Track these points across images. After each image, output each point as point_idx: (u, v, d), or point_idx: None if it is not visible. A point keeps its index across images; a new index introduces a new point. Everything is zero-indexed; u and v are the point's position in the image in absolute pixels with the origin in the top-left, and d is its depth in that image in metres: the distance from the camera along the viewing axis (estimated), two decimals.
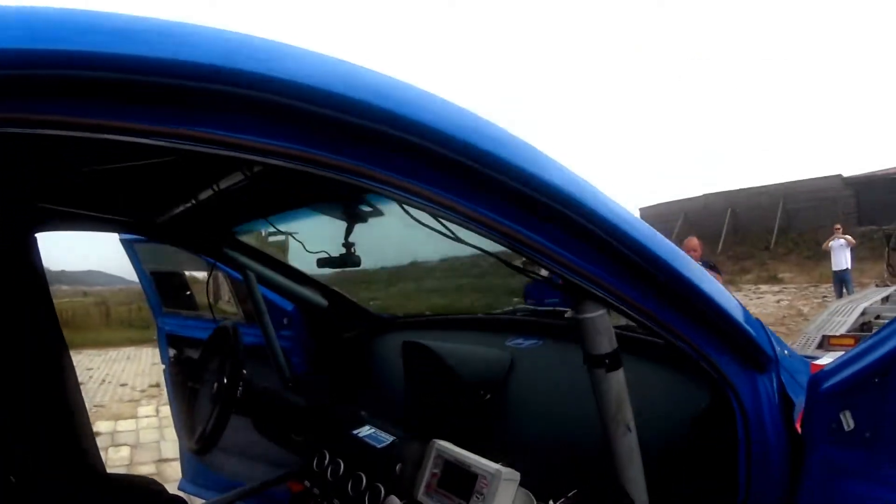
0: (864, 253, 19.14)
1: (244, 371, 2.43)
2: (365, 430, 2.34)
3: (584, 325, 1.34)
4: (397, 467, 1.82)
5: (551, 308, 2.80)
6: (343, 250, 2.36)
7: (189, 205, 2.31)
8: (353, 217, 2.29)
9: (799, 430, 1.44)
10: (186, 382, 2.76)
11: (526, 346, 2.47)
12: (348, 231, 2.34)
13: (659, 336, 1.35)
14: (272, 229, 2.62)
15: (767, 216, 29.41)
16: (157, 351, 4.32)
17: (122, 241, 4.02)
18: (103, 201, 2.38)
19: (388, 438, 2.21)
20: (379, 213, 2.27)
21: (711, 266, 4.78)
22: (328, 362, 3.21)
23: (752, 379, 1.42)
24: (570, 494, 1.55)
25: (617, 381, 1.35)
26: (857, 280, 16.96)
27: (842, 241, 15.99)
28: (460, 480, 1.62)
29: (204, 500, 3.27)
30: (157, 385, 10.53)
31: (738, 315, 1.39)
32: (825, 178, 28.52)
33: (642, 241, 1.27)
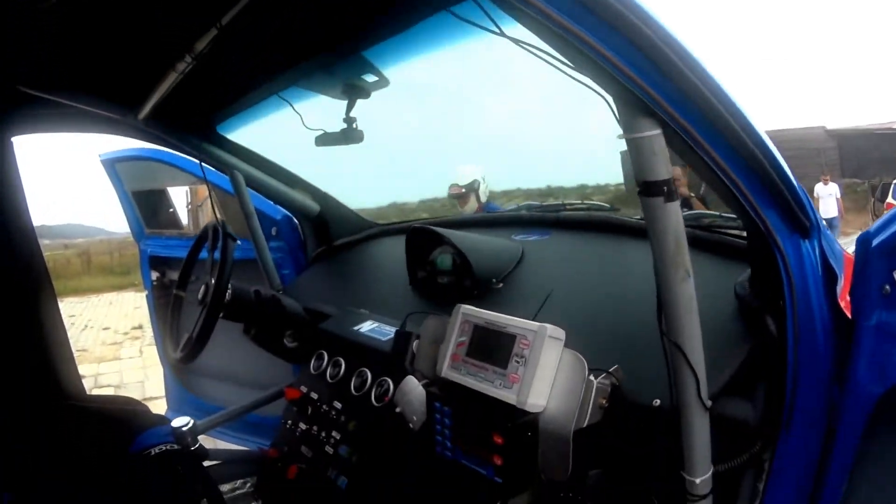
0: (848, 204, 19.07)
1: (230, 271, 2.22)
2: (367, 326, 2.17)
3: (638, 145, 1.13)
4: (413, 344, 1.62)
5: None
6: (344, 125, 2.14)
7: (169, 91, 2.06)
8: (353, 91, 2.07)
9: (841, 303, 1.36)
10: (172, 292, 2.55)
11: (534, 240, 2.30)
12: (349, 106, 2.13)
13: (710, 174, 1.21)
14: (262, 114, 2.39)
15: None
16: (139, 296, 4.11)
17: (104, 162, 3.82)
18: (83, 89, 2.13)
19: (391, 331, 2.03)
20: (385, 83, 2.06)
21: (688, 199, 4.71)
22: (321, 271, 3.02)
23: (797, 243, 1.33)
24: (611, 369, 1.39)
25: (675, 214, 1.15)
26: (842, 230, 17.01)
27: (831, 189, 15.92)
28: (494, 345, 1.43)
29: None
30: (140, 327, 10.35)
31: (790, 173, 1.27)
32: (809, 128, 28.25)
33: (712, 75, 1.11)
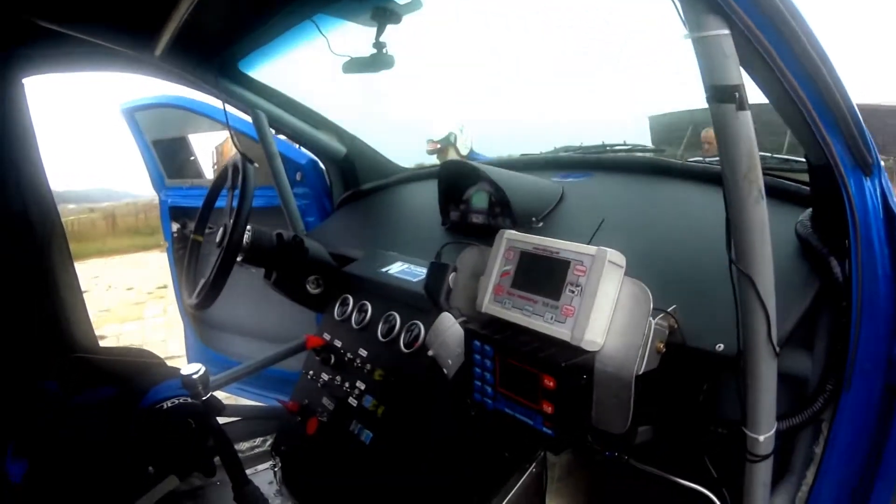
0: None
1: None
2: (396, 267, 2.02)
3: (706, 45, 0.97)
4: (449, 278, 1.46)
5: None
6: (374, 50, 1.99)
7: (187, 21, 1.91)
8: (383, 16, 1.91)
9: None
10: (190, 237, 2.43)
11: (575, 181, 2.14)
12: (379, 31, 1.97)
13: (777, 90, 1.09)
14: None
15: (778, 132, 29.02)
16: (164, 256, 4.02)
17: (124, 112, 3.70)
18: (96, 19, 1.98)
19: (422, 272, 1.88)
20: (417, 5, 1.89)
21: None
22: (347, 216, 2.88)
23: (860, 180, 1.24)
24: (669, 309, 1.25)
25: (747, 125, 0.99)
26: None
27: None
28: (545, 273, 1.27)
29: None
30: (165, 287, 10.31)
31: (855, 106, 1.18)
32: None
33: None
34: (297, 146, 3.02)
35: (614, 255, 1.19)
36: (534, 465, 1.59)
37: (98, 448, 1.59)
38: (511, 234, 1.37)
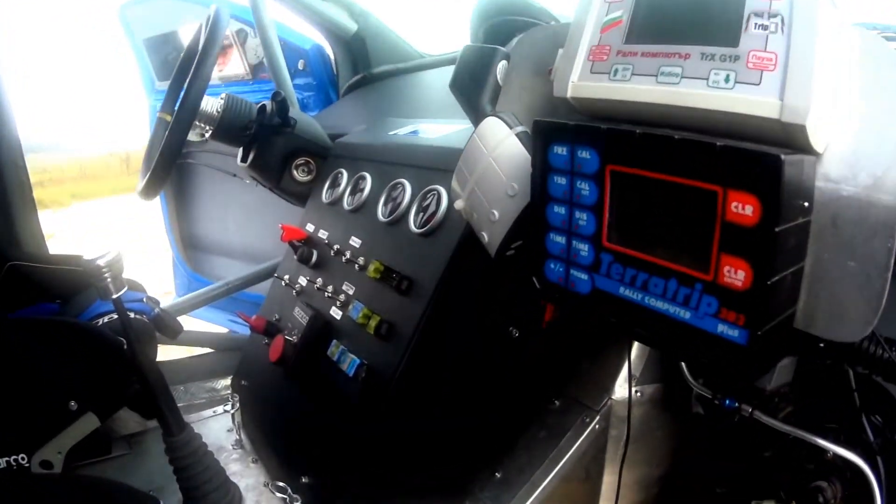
0: None
1: None
2: (408, 129, 1.48)
3: None
4: (497, 68, 0.86)
5: None
6: None
7: None
8: None
9: None
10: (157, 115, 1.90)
11: None
12: None
13: None
14: None
15: None
16: None
17: (118, 13, 3.30)
18: None
19: (447, 129, 1.36)
20: None
21: None
22: (354, 103, 2.33)
23: None
24: None
25: None
26: None
27: None
28: (695, 13, 0.62)
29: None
30: None
31: None
32: None
33: None
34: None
35: None
36: (597, 419, 1.10)
37: (27, 373, 1.21)
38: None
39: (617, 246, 0.68)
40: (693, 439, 1.17)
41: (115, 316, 1.24)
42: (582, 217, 0.70)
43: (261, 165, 1.77)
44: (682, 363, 1.02)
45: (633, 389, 1.10)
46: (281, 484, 1.28)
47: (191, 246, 3.44)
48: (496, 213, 0.82)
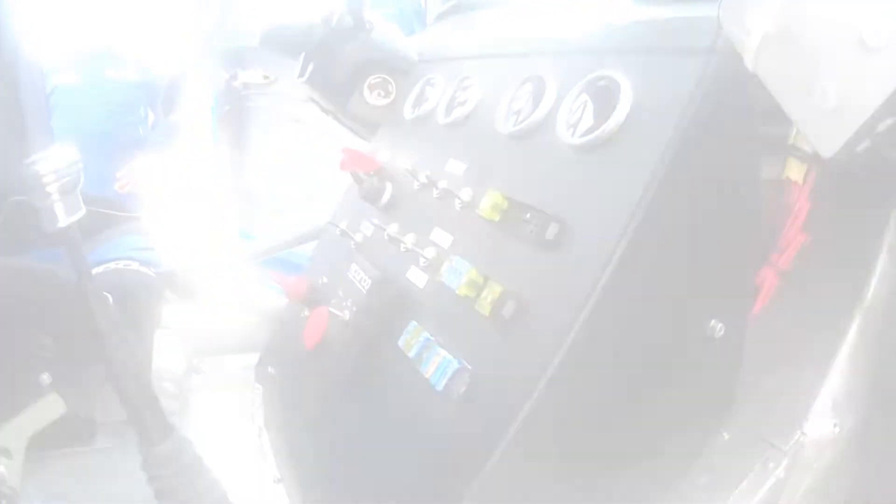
0: None
1: None
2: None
3: None
4: None
5: None
6: None
7: None
8: None
9: None
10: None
11: None
12: None
13: None
14: None
15: None
16: None
17: None
18: None
19: None
20: None
21: None
22: (445, 30, 1.88)
23: None
24: None
25: None
26: None
27: None
28: None
29: None
30: None
31: None
32: None
33: None
34: None
35: None
36: (783, 463, 0.76)
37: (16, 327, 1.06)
38: None
39: None
40: None
41: (121, 263, 1.01)
42: None
43: (324, 81, 1.36)
44: None
45: (832, 422, 0.77)
46: None
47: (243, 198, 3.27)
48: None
